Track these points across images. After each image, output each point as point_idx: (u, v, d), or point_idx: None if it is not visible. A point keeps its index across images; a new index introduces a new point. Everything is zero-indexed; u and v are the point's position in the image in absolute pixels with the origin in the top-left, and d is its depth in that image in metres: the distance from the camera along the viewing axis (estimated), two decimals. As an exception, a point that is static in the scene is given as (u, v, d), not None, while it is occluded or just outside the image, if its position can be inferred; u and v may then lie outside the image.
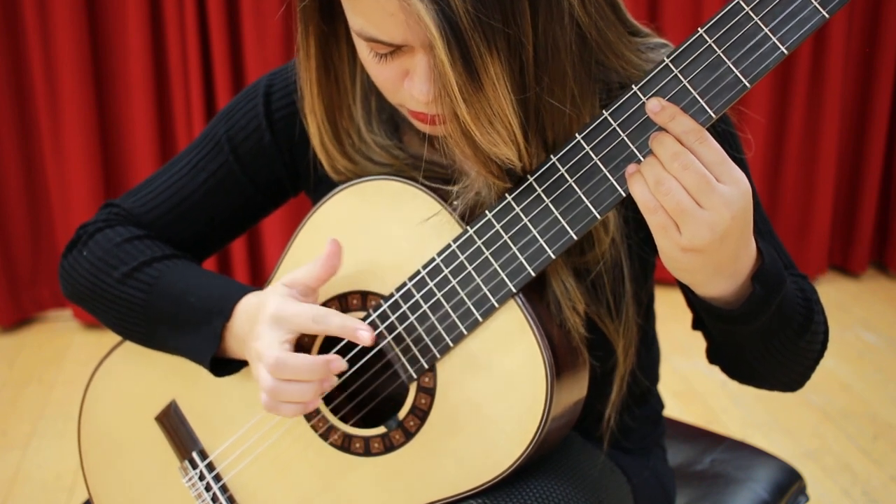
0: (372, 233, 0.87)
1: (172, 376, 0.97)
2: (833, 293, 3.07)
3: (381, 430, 0.89)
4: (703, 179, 0.71)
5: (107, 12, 2.64)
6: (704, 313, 0.83)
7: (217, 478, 0.97)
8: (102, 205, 1.04)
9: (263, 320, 0.85)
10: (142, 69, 2.63)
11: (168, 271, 0.96)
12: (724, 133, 0.92)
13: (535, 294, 0.83)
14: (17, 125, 2.69)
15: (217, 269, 2.82)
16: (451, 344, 0.83)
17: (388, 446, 0.89)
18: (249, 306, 0.90)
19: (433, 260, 0.84)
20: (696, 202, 0.71)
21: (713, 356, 0.95)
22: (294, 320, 0.84)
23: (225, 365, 0.94)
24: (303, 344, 0.91)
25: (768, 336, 0.84)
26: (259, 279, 2.87)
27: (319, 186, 1.00)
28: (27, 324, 2.87)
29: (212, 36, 2.62)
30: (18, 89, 2.67)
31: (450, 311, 0.83)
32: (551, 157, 0.77)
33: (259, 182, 1.00)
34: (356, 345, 0.89)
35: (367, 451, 0.90)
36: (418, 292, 0.84)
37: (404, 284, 0.85)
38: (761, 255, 0.79)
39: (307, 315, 0.84)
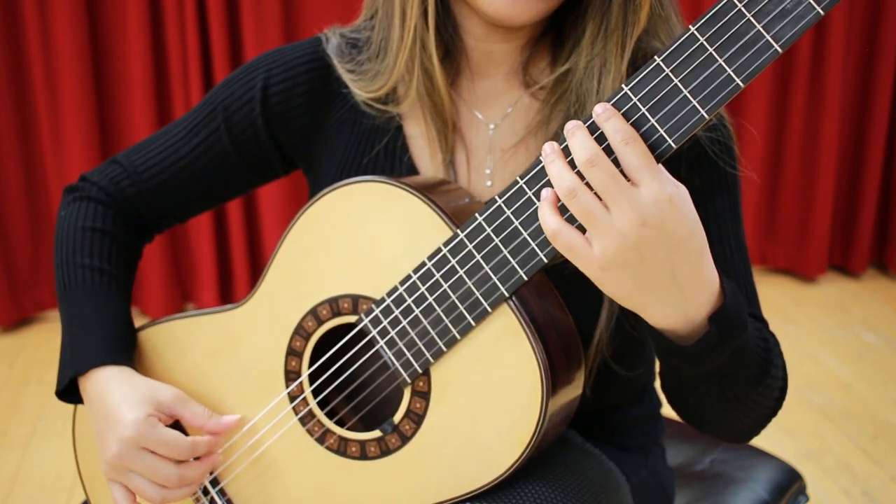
0: (361, 235, 0.87)
1: (166, 379, 0.97)
2: (833, 293, 3.06)
3: (376, 433, 0.89)
4: (610, 178, 0.68)
5: (107, 12, 2.63)
6: (654, 342, 0.77)
7: (214, 482, 0.97)
8: (109, 159, 1.08)
9: (118, 440, 0.88)
10: (142, 69, 2.63)
11: (84, 288, 1.00)
12: (722, 146, 0.91)
13: (531, 295, 0.83)
14: (17, 125, 2.69)
15: (217, 263, 2.83)
16: (444, 348, 0.83)
17: (385, 450, 0.88)
18: (98, 392, 0.92)
19: (424, 264, 0.83)
20: (604, 206, 0.69)
21: (662, 384, 0.88)
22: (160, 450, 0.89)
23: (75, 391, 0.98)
24: (295, 349, 0.91)
25: (718, 382, 0.79)
26: (257, 271, 2.87)
27: (312, 167, 1.02)
28: (27, 324, 2.87)
29: (212, 36, 2.61)
30: (18, 89, 2.67)
31: (442, 315, 0.83)
32: (541, 158, 0.76)
33: (243, 153, 1.02)
34: (353, 344, 0.89)
35: (363, 455, 0.90)
36: (410, 297, 0.84)
37: (395, 289, 0.85)
38: (724, 294, 0.74)
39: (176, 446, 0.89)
